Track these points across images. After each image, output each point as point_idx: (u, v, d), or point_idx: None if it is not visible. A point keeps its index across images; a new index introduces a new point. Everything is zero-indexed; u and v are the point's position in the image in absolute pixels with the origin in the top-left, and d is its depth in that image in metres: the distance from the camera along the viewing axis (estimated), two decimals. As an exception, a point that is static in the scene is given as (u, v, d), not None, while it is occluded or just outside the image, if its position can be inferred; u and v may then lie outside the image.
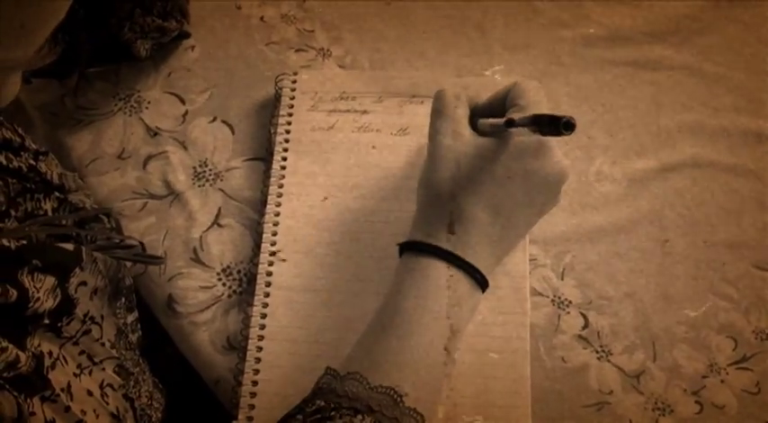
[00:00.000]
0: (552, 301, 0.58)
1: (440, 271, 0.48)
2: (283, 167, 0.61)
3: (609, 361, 0.56)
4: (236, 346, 0.56)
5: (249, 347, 0.55)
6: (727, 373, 0.56)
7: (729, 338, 0.57)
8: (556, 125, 0.41)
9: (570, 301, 0.58)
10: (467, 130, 0.50)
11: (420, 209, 0.52)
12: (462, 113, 0.51)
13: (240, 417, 0.53)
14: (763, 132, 0.65)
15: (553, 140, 0.48)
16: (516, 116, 0.46)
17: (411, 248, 0.50)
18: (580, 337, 0.57)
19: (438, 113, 0.51)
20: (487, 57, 0.68)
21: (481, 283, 0.49)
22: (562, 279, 0.59)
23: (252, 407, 0.53)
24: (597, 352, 0.56)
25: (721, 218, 0.61)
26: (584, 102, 0.66)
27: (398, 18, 0.70)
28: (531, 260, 0.58)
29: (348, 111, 0.64)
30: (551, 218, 0.60)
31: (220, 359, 0.57)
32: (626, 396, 0.55)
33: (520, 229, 0.51)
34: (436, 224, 0.49)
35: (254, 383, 0.54)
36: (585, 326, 0.57)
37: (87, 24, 0.58)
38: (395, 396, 0.43)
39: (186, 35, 0.68)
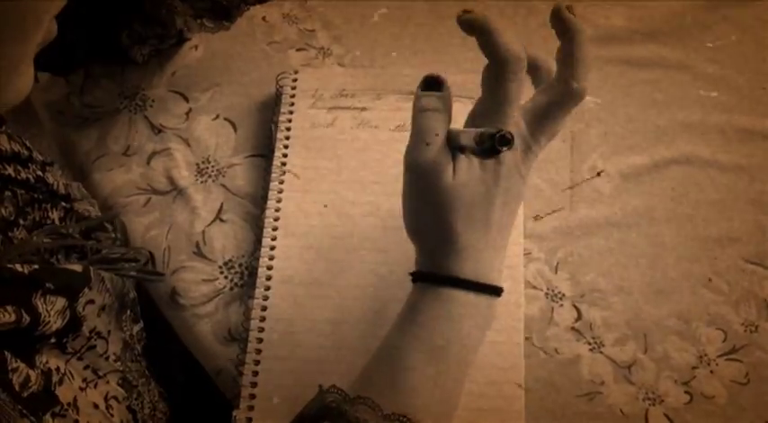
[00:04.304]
0: (546, 294, 0.59)
1: (461, 301, 0.45)
2: (284, 164, 0.63)
3: (601, 352, 0.57)
4: (238, 337, 0.58)
5: (250, 339, 0.56)
6: (717, 365, 0.57)
7: (719, 330, 0.58)
8: (491, 143, 0.42)
9: (564, 294, 0.59)
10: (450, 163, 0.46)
11: (421, 239, 0.48)
12: (443, 149, 0.46)
13: (241, 406, 0.54)
14: (756, 130, 0.65)
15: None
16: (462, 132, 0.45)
17: (424, 279, 0.47)
18: (573, 329, 0.58)
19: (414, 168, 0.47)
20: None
21: (497, 292, 0.47)
22: (556, 272, 0.60)
23: (252, 396, 0.54)
24: (590, 343, 0.57)
25: (713, 213, 0.62)
26: (578, 99, 0.67)
27: (397, 17, 0.72)
28: (525, 254, 0.60)
29: (347, 108, 0.65)
30: (546, 212, 0.62)
31: (222, 350, 0.58)
32: (617, 386, 0.56)
33: (509, 231, 0.48)
34: (445, 253, 0.46)
35: (255, 374, 0.55)
36: (578, 318, 0.58)
37: (87, 24, 0.59)
38: None
39: (186, 39, 0.69)
